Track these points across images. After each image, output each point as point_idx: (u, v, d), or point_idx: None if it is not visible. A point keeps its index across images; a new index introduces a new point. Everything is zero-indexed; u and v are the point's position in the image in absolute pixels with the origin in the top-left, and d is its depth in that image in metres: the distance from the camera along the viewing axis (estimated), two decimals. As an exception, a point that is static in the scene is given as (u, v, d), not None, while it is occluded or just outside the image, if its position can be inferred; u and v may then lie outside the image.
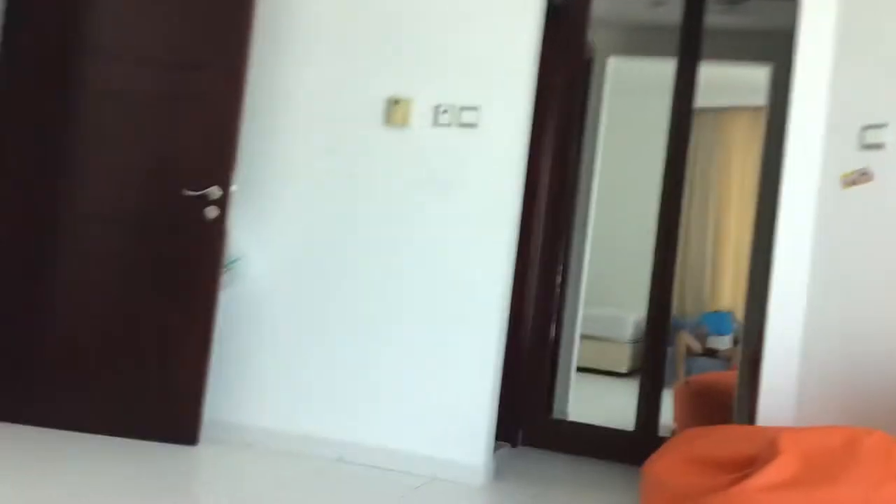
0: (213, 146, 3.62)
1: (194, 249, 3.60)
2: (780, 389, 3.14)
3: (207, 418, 3.69)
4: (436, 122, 3.68)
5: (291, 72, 3.85)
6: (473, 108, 3.63)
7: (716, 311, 6.36)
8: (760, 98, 4.96)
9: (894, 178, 3.03)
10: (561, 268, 4.54)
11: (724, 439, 2.78)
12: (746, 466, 2.57)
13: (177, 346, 3.60)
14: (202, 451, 3.54)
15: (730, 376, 4.93)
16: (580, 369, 5.35)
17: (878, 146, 3.07)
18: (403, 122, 3.70)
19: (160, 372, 3.60)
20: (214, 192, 3.59)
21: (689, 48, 4.36)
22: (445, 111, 3.66)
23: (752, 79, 5.27)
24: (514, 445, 4.33)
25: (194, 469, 3.34)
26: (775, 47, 4.40)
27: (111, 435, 3.57)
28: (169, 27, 3.69)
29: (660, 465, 2.79)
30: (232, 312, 3.81)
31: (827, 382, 3.08)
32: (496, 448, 3.88)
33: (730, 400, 4.71)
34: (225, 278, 3.71)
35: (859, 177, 3.10)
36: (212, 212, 3.59)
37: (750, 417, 3.29)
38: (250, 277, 3.82)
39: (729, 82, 6.07)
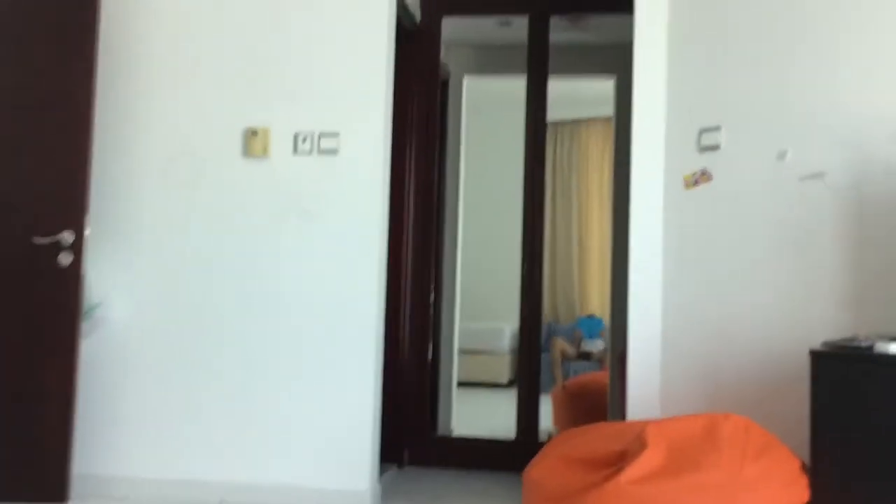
0: (63, 189, 3.48)
1: (50, 298, 3.44)
2: (645, 383, 3.28)
3: (77, 473, 3.51)
4: (296, 151, 3.67)
5: (144, 106, 3.75)
6: (333, 135, 3.64)
7: (589, 316, 6.60)
8: (610, 108, 5.19)
9: (731, 177, 3.24)
10: (434, 286, 4.59)
11: (597, 437, 2.89)
12: (618, 461, 2.68)
13: (38, 400, 3.42)
14: (73, 509, 3.38)
15: (603, 376, 5.11)
16: (463, 384, 5.41)
17: (713, 147, 3.28)
18: (263, 153, 3.67)
19: (22, 429, 3.41)
20: (67, 237, 3.45)
21: (538, 65, 4.53)
22: (305, 139, 3.66)
23: (602, 91, 5.52)
24: (400, 466, 4.33)
25: (66, 528, 3.18)
26: (617, 60, 4.63)
27: (-29, 502, 3.36)
28: (10, 67, 3.53)
29: (538, 468, 2.87)
30: (95, 359, 3.66)
31: (687, 372, 3.25)
32: (383, 471, 3.88)
33: (604, 399, 4.88)
34: (85, 326, 3.57)
35: (700, 177, 3.30)
36: (66, 258, 3.45)
37: (621, 413, 3.42)
38: (112, 322, 3.68)
39: (582, 95, 6.33)
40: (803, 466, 2.63)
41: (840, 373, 2.51)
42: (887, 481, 2.38)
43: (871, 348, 2.50)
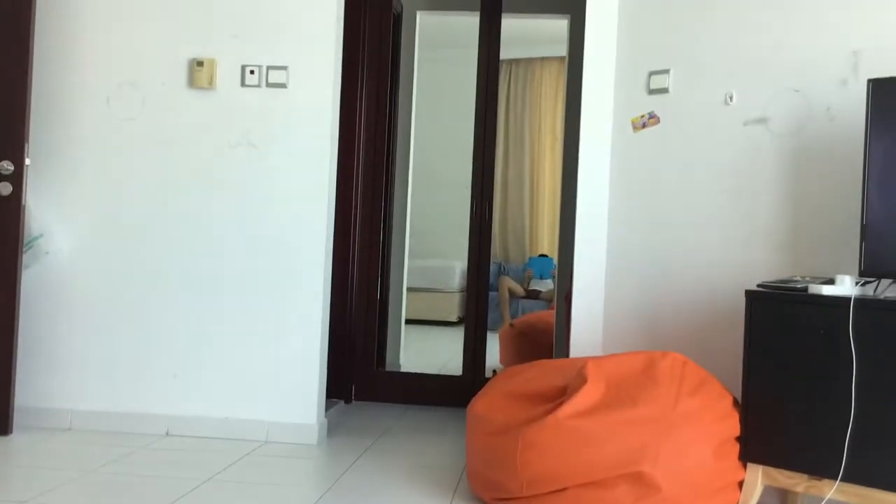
0: (1, 118, 3.38)
1: (-12, 229, 3.38)
2: (588, 321, 3.35)
3: (20, 405, 3.50)
4: (243, 83, 3.60)
5: (85, 37, 3.64)
6: (282, 68, 3.58)
7: (541, 256, 6.67)
8: (564, 49, 5.17)
9: (677, 120, 3.27)
10: (383, 223, 4.59)
11: (539, 374, 2.95)
12: (559, 396, 2.75)
13: (-22, 333, 3.38)
14: (16, 440, 3.36)
15: (550, 315, 5.19)
16: (413, 321, 5.47)
17: (662, 91, 3.29)
18: (209, 84, 3.60)
19: (-38, 362, 3.37)
20: (6, 166, 3.37)
21: (491, 2, 4.47)
22: (252, 71, 3.59)
23: (556, 30, 5.49)
24: (347, 401, 4.38)
25: (8, 459, 3.17)
26: (571, 0, 4.60)
27: (-89, 434, 3.33)
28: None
29: (481, 402, 2.93)
30: (37, 292, 3.61)
31: (629, 311, 3.32)
32: (329, 406, 3.92)
33: (550, 338, 4.97)
34: (26, 257, 3.51)
35: (648, 120, 3.32)
36: (5, 188, 3.37)
37: (566, 351, 3.49)
38: (54, 254, 3.62)
39: (537, 34, 6.29)
40: (735, 403, 2.73)
41: (774, 312, 2.59)
42: (815, 418, 2.48)
43: (805, 289, 2.57)
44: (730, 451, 2.64)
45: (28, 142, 3.43)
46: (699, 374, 2.75)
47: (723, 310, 3.10)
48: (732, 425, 2.67)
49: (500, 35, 4.49)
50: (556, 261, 5.54)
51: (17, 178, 3.39)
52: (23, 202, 3.40)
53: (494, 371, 4.61)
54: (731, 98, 3.14)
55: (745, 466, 2.65)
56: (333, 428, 3.81)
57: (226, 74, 3.60)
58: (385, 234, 4.67)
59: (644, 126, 3.33)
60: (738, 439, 2.66)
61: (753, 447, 2.63)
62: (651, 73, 3.31)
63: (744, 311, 2.66)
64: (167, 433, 3.57)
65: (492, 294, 4.92)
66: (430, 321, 6.20)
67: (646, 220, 3.31)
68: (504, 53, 4.56)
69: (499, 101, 4.61)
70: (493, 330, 5.17)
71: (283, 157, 3.58)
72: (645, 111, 3.33)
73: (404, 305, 5.15)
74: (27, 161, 3.42)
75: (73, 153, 3.64)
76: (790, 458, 2.54)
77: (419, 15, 5.10)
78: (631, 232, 3.33)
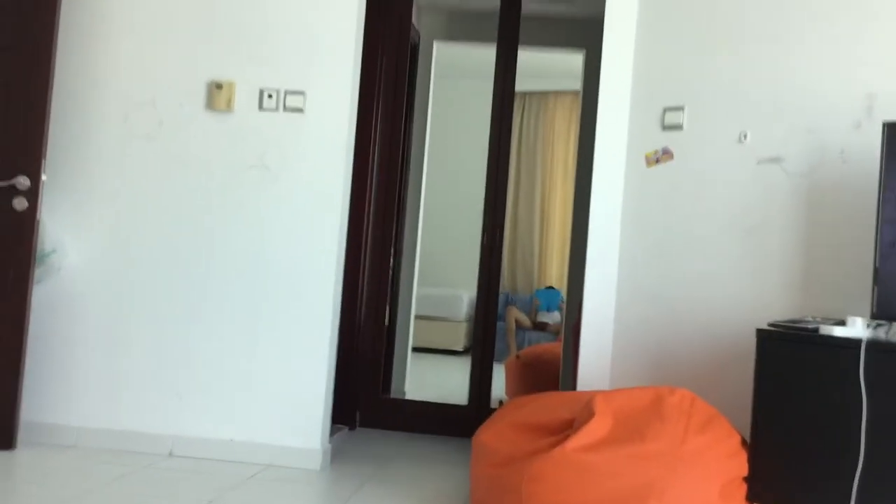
0: (20, 133, 3.42)
1: (3, 242, 3.39)
2: (597, 355, 3.34)
3: (25, 421, 3.50)
4: (261, 107, 3.63)
5: (105, 55, 3.68)
6: (299, 93, 3.61)
7: (548, 288, 6.66)
8: (579, 82, 5.21)
9: (691, 157, 3.28)
10: (393, 250, 4.60)
11: (546, 405, 2.94)
12: (566, 429, 2.74)
13: (-13, 347, 3.38)
14: (20, 455, 3.35)
15: (557, 347, 5.18)
16: (419, 349, 5.45)
17: (677, 127, 3.31)
18: (227, 107, 3.63)
19: (-31, 375, 3.37)
20: (22, 182, 3.40)
21: (508, 34, 4.52)
22: (271, 95, 3.63)
23: (571, 64, 5.53)
24: (352, 428, 4.37)
25: (12, 474, 3.16)
26: (588, 34, 4.64)
27: (-85, 445, 3.33)
28: (-36, 6, 3.44)
29: (487, 433, 2.92)
30: (48, 307, 3.62)
31: (638, 346, 3.31)
32: (334, 431, 3.91)
33: (557, 370, 4.96)
34: (38, 272, 3.52)
35: (661, 155, 3.33)
36: (20, 203, 3.39)
37: (573, 384, 3.48)
38: (66, 270, 3.64)
39: (552, 68, 6.34)
40: (743, 442, 2.71)
41: (785, 352, 2.58)
42: (824, 460, 2.46)
43: (816, 330, 2.57)
44: (736, 491, 2.62)
45: (45, 158, 3.46)
46: (707, 411, 2.74)
47: (732, 347, 3.09)
48: (740, 464, 2.65)
49: (516, 67, 4.53)
50: (563, 293, 5.53)
51: (32, 194, 3.41)
52: (38, 217, 3.43)
53: (501, 402, 4.59)
54: (745, 136, 3.15)
55: (751, 507, 2.63)
56: (337, 454, 3.79)
57: (244, 97, 3.64)
58: (395, 261, 4.68)
59: (658, 161, 3.34)
60: (746, 479, 2.64)
61: (761, 487, 2.61)
62: (666, 109, 3.33)
63: (754, 350, 2.65)
64: (171, 453, 3.55)
65: (498, 324, 4.90)
66: (435, 349, 6.19)
67: (657, 254, 3.31)
68: (518, 85, 4.59)
69: (511, 133, 4.63)
70: (499, 361, 5.16)
71: (297, 181, 3.60)
72: (659, 146, 3.35)
73: (411, 333, 5.14)
74: (43, 177, 3.45)
75: (90, 170, 3.67)
76: (798, 499, 2.52)
77: (436, 45, 5.15)
78: (642, 266, 3.34)
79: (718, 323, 3.15)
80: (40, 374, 3.61)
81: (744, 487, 2.63)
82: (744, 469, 2.64)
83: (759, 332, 2.65)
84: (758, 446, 2.62)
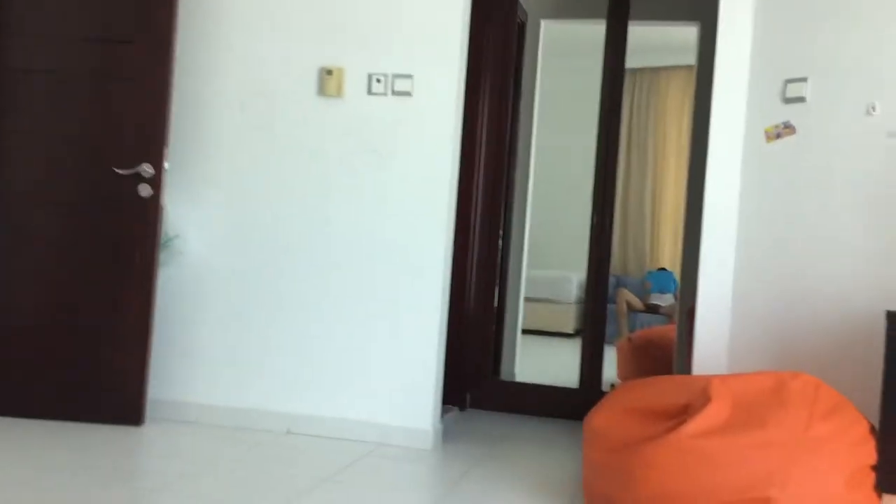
0: (144, 123, 3.57)
1: (129, 228, 3.56)
2: (713, 339, 3.24)
3: (152, 398, 3.68)
4: (370, 91, 3.67)
5: (221, 45, 3.80)
6: (407, 77, 3.63)
7: (661, 269, 6.51)
8: (693, 57, 5.04)
9: (815, 130, 3.12)
10: (502, 232, 4.59)
11: (660, 389, 2.87)
12: (681, 414, 2.67)
13: (117, 326, 3.57)
14: (148, 431, 3.53)
15: (670, 330, 5.05)
16: (529, 332, 5.43)
17: (799, 99, 3.16)
18: (338, 93, 3.69)
19: (102, 353, 3.56)
20: (146, 169, 3.55)
21: (618, 9, 4.41)
22: (379, 80, 3.66)
23: (684, 38, 5.35)
24: (462, 409, 4.39)
25: (142, 449, 3.33)
26: (702, 6, 4.48)
27: (55, 419, 3.54)
28: (97, 3, 3.60)
29: (600, 417, 2.87)
30: (171, 291, 3.79)
31: (756, 330, 3.19)
32: (444, 412, 3.94)
33: (670, 353, 4.84)
34: (162, 256, 3.69)
35: (783, 130, 3.19)
36: (145, 190, 3.55)
37: (687, 368, 3.39)
38: (188, 255, 3.80)
39: (663, 42, 6.15)
40: (872, 429, 2.57)
41: (918, 336, 2.43)
42: (961, 449, 2.32)
43: (953, 313, 2.41)
44: (864, 481, 2.49)
45: (167, 146, 3.60)
46: (833, 397, 2.61)
47: (859, 330, 2.93)
48: (868, 453, 2.52)
49: (627, 43, 4.42)
50: (677, 275, 5.39)
51: (156, 181, 3.56)
52: (161, 204, 3.58)
53: (612, 385, 4.52)
54: (873, 108, 2.98)
55: (880, 497, 2.49)
56: (448, 434, 3.83)
57: (353, 83, 3.68)
58: (504, 243, 4.66)
59: (778, 136, 3.20)
60: (874, 468, 2.51)
61: (891, 477, 2.47)
62: (787, 82, 3.18)
63: (884, 333, 2.50)
64: (288, 431, 3.67)
65: (609, 307, 4.82)
66: (545, 332, 6.15)
67: (777, 234, 3.17)
68: (629, 62, 4.48)
69: (621, 110, 4.53)
70: (610, 343, 5.08)
71: (407, 164, 3.63)
72: (779, 121, 3.20)
73: (521, 315, 5.12)
74: (166, 165, 3.60)
75: (209, 158, 3.81)
76: (933, 492, 2.38)
77: (544, 23, 5.08)
78: (760, 245, 3.20)
79: (844, 304, 2.99)
80: (166, 354, 3.78)
81: (872, 476, 2.50)
82: (872, 457, 2.51)
83: (890, 314, 2.50)
84: (888, 434, 2.49)
